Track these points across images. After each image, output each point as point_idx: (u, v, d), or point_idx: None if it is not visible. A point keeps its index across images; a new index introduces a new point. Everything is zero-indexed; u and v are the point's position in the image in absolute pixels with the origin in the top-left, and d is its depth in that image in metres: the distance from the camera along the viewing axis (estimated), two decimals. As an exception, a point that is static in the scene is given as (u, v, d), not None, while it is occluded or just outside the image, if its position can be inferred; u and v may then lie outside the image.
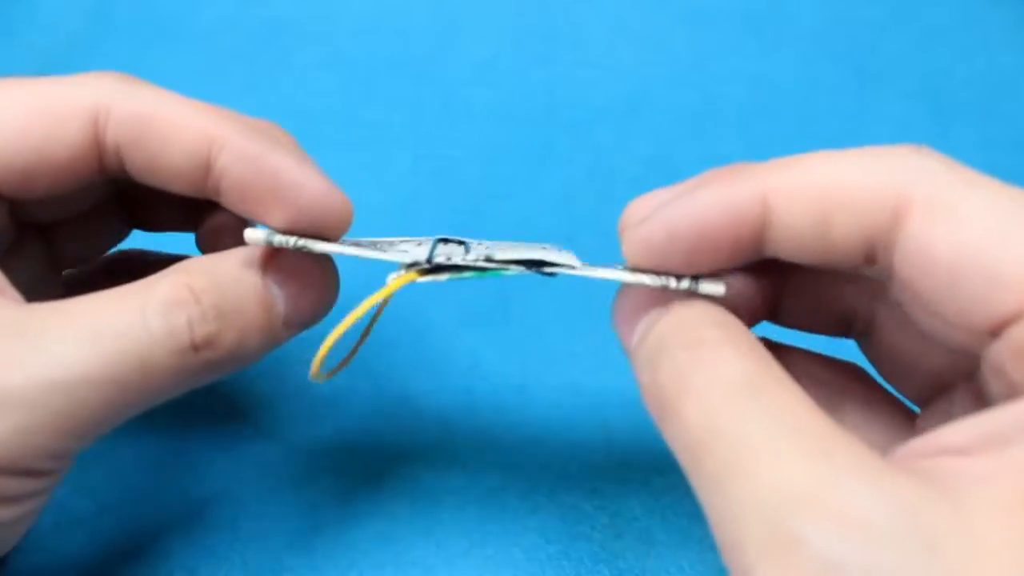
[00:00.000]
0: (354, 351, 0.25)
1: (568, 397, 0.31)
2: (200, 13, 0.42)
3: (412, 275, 0.20)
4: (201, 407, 0.30)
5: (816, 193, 0.18)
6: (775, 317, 0.23)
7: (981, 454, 0.15)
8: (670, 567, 0.27)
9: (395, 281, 0.20)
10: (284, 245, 0.21)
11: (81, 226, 0.26)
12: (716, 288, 0.19)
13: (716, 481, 0.16)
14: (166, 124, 0.21)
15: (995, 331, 0.16)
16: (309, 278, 0.22)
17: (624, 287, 0.21)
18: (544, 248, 0.21)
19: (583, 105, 0.39)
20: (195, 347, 0.20)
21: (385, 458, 0.29)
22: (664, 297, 0.20)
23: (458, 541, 0.27)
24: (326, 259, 0.22)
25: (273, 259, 0.22)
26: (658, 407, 0.18)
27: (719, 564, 0.27)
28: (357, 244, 0.21)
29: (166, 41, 0.42)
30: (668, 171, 0.34)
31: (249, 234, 0.20)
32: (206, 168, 0.21)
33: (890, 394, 0.22)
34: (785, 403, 0.16)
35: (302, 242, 0.21)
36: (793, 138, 0.38)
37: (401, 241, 0.23)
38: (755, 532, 0.14)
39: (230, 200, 0.22)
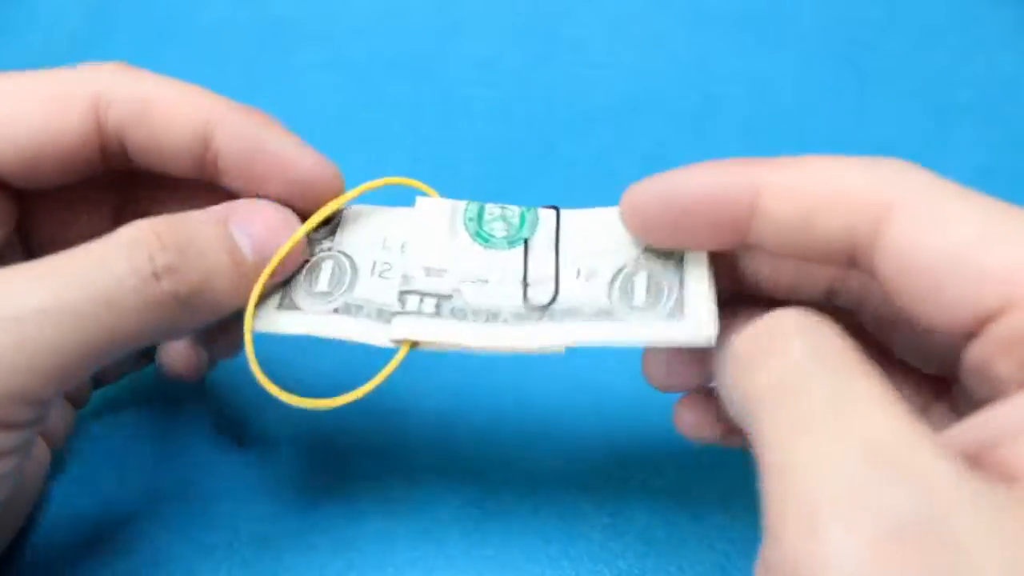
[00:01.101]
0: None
1: (568, 397, 0.31)
2: (200, 13, 0.42)
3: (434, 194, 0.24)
4: (201, 406, 0.30)
5: (803, 191, 0.19)
6: None
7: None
8: (670, 567, 0.27)
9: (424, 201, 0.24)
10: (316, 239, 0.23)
11: None
12: (701, 255, 0.21)
13: (797, 429, 0.15)
14: (165, 105, 0.22)
15: (975, 330, 0.17)
16: (275, 225, 0.22)
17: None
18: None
19: (583, 105, 0.39)
20: (156, 275, 0.20)
21: (385, 458, 0.29)
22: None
23: (458, 541, 0.27)
24: (290, 210, 0.23)
25: (236, 209, 0.22)
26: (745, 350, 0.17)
27: (719, 564, 0.27)
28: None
29: (166, 41, 0.42)
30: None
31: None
32: (204, 147, 0.22)
33: None
34: (872, 375, 0.16)
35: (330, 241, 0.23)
36: (793, 138, 0.38)
37: None
38: (831, 485, 0.14)
39: (228, 177, 0.23)
